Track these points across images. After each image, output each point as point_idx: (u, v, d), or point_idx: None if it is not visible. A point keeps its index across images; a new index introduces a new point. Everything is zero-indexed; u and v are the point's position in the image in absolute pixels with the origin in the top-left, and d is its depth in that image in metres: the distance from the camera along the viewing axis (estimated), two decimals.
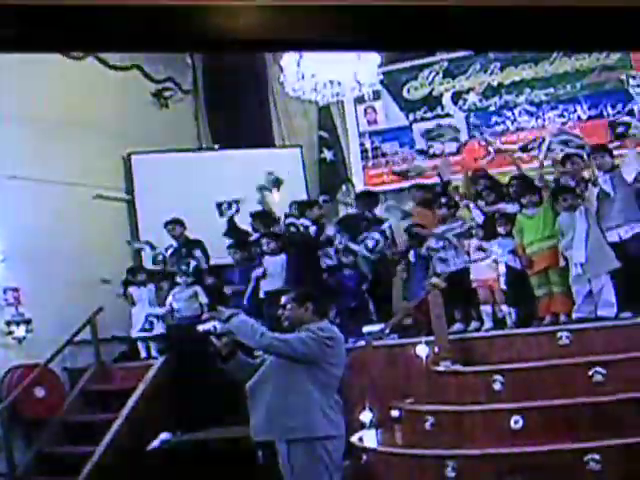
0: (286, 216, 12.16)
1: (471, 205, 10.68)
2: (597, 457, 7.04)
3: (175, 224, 12.29)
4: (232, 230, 12.24)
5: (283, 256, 11.32)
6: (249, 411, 6.20)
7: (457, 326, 10.13)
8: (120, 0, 2.03)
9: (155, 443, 9.60)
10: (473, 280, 10.14)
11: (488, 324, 9.95)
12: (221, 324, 6.04)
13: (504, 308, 9.94)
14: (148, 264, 12.59)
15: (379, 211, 12.39)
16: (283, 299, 6.40)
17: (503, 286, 10.00)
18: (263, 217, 12.00)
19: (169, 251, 12.38)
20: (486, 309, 10.01)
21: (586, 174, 9.92)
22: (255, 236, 11.93)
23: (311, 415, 5.94)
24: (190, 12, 2.07)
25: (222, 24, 2.14)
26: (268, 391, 6.03)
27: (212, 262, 12.41)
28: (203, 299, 11.59)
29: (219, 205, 12.19)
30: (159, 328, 11.72)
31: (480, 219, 10.39)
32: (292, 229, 11.73)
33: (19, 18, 2.00)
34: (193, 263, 11.92)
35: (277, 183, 12.12)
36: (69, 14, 2.02)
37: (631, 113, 12.71)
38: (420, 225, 11.00)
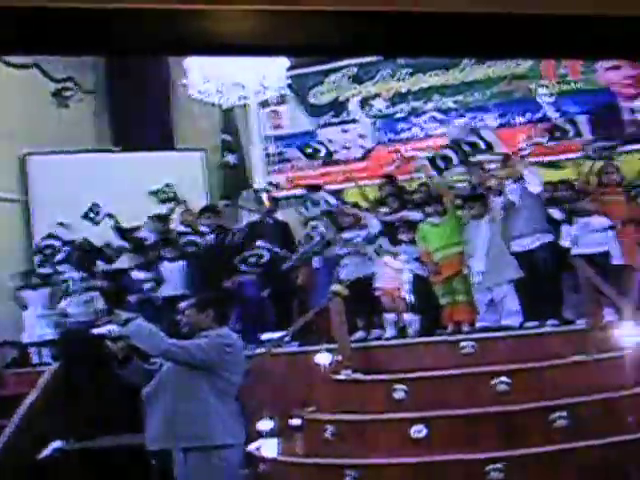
0: (181, 222, 11.97)
1: (365, 214, 10.61)
2: (500, 467, 7.03)
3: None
4: (122, 233, 11.99)
5: (182, 262, 11.11)
6: (145, 419, 6.06)
7: (359, 334, 10.04)
8: (104, 3, 1.89)
9: (47, 451, 9.34)
10: (377, 288, 10.05)
11: (390, 332, 9.87)
12: (118, 327, 5.87)
13: (407, 316, 9.88)
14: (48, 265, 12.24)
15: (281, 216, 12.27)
16: (183, 304, 6.33)
17: (406, 294, 9.95)
18: (160, 221, 11.77)
19: (60, 255, 12.04)
20: (389, 317, 9.94)
21: (493, 182, 9.96)
22: (152, 240, 11.68)
23: (209, 423, 5.83)
24: (176, 16, 1.94)
25: (209, 28, 2.02)
26: (165, 398, 5.90)
27: (109, 266, 12.11)
28: (99, 304, 11.30)
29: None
30: (53, 333, 11.38)
31: (376, 229, 10.32)
32: (186, 236, 11.51)
33: None
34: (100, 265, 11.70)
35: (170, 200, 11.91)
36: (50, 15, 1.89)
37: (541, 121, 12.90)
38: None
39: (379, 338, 9.93)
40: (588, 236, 9.14)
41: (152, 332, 5.90)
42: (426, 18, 2.06)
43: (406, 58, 12.66)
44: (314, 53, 2.69)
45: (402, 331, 9.93)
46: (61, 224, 12.12)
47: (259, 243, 10.94)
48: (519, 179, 9.49)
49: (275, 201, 12.40)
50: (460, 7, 2.04)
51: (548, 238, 9.38)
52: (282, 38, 2.12)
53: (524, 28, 2.16)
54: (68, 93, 14.36)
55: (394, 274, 10.00)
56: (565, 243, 9.25)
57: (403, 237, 10.04)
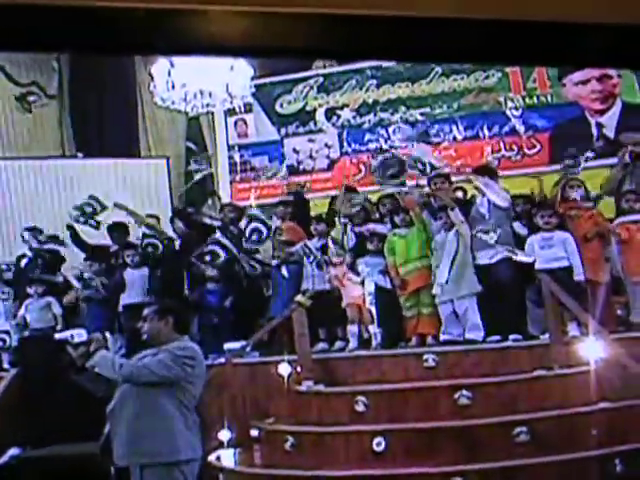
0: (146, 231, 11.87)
1: (349, 227, 10.59)
2: None
3: (34, 231, 11.86)
4: (79, 241, 11.88)
5: (145, 269, 11.03)
6: (111, 436, 6.02)
7: (321, 345, 9.99)
8: (89, 1, 1.84)
9: (3, 458, 9.19)
10: (344, 299, 10.02)
11: (353, 344, 9.85)
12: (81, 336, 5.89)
13: (371, 328, 9.86)
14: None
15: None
16: (145, 311, 6.24)
17: (370, 306, 9.94)
18: (121, 229, 11.70)
19: (23, 261, 11.92)
20: (352, 329, 9.91)
21: (459, 194, 9.99)
22: (114, 248, 11.60)
23: (171, 439, 5.79)
24: (163, 16, 1.89)
25: (197, 29, 1.97)
26: (127, 415, 5.85)
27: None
28: (57, 310, 11.20)
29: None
30: (11, 340, 11.26)
31: (352, 242, 10.34)
32: (149, 243, 11.43)
33: None
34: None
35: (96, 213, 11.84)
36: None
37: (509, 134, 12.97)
38: (289, 241, 10.84)
39: (342, 350, 9.89)
40: (549, 250, 9.16)
41: (114, 360, 5.94)
42: (418, 22, 2.04)
43: (399, 62, 12.67)
44: (306, 55, 2.66)
45: (365, 343, 9.91)
46: (29, 229, 11.96)
47: (215, 237, 10.86)
48: (484, 194, 9.53)
49: (239, 210, 12.33)
50: (445, 12, 2.02)
51: (511, 253, 9.38)
52: (274, 40, 2.10)
53: (508, 34, 2.15)
54: (32, 98, 14.26)
55: (358, 286, 9.99)
56: (529, 258, 9.26)
57: (370, 247, 10.02)
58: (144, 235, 11.60)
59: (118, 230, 11.70)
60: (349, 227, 10.53)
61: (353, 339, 9.87)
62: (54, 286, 11.57)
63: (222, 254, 10.74)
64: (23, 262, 12.00)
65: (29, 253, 11.96)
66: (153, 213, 12.05)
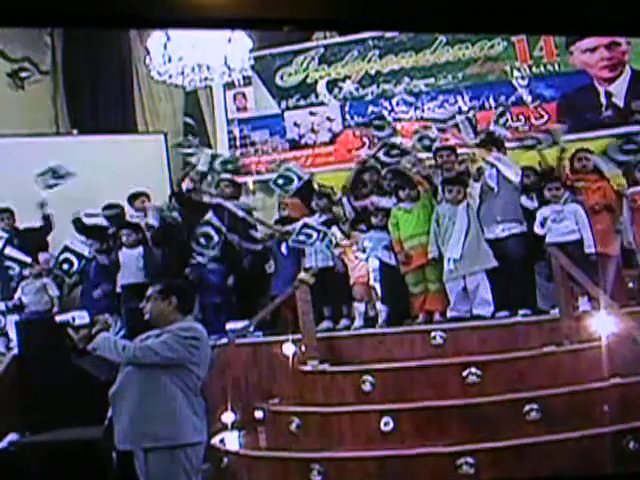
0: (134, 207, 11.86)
1: (344, 200, 10.61)
2: (471, 461, 7.04)
3: (4, 213, 11.81)
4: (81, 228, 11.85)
5: (141, 249, 11.02)
6: (113, 419, 6.01)
7: (325, 324, 10.01)
8: None
9: (2, 444, 9.22)
10: (350, 276, 10.03)
11: (358, 322, 9.86)
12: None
13: (378, 306, 9.87)
14: None
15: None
16: (148, 291, 6.22)
17: (374, 283, 9.96)
18: (115, 209, 11.68)
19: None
20: (359, 307, 9.93)
21: (471, 167, 9.96)
22: (112, 229, 11.57)
23: (177, 422, 5.79)
24: None
25: (193, 1, 1.97)
26: (131, 398, 5.84)
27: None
28: (53, 292, 11.20)
29: None
30: (7, 323, 11.27)
31: (351, 215, 10.35)
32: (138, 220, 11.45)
33: None
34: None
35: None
36: None
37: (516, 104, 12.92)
38: (292, 217, 10.85)
39: (347, 328, 9.90)
40: (560, 224, 9.15)
41: (116, 342, 5.90)
42: None
43: (402, 33, 12.60)
44: (304, 27, 2.65)
45: (370, 321, 9.92)
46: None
47: (206, 218, 10.83)
48: (493, 165, 9.51)
49: (237, 186, 12.30)
50: None
51: (521, 228, 9.39)
52: (271, 10, 2.09)
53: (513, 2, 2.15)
54: (24, 74, 14.19)
55: (363, 262, 10.00)
56: (538, 231, 9.25)
57: (375, 222, 10.02)
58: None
59: (113, 210, 11.67)
60: (345, 201, 10.54)
61: (359, 317, 9.89)
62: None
63: (215, 236, 10.71)
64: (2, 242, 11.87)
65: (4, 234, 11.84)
66: (141, 191, 11.93)
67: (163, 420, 5.76)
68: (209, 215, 10.81)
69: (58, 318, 6.10)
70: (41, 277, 11.26)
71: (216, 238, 10.64)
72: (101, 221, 11.76)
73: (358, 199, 10.71)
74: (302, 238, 10.11)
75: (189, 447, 5.80)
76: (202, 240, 10.69)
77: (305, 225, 10.14)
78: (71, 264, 10.94)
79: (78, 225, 11.64)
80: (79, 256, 10.93)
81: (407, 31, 10.95)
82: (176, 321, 6.00)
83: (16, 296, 11.26)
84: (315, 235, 10.04)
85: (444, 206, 9.58)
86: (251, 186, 13.03)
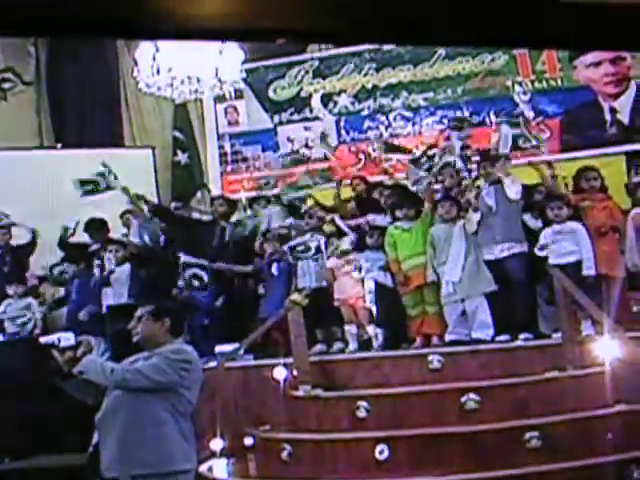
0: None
1: (337, 220, 10.59)
2: None
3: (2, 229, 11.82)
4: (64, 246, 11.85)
5: (127, 266, 11.01)
6: (100, 445, 5.99)
7: (319, 347, 9.99)
8: None
9: None
10: (335, 298, 10.02)
11: (353, 345, 9.85)
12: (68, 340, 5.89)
13: (369, 329, 9.86)
14: None
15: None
16: (139, 311, 6.20)
17: (369, 304, 9.95)
18: (99, 225, 11.67)
19: None
20: (351, 329, 9.92)
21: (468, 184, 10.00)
22: (96, 246, 11.55)
23: (166, 448, 5.76)
24: None
25: (187, 11, 1.98)
26: (118, 423, 5.80)
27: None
28: (37, 311, 11.17)
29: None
30: None
31: (350, 237, 10.33)
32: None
33: None
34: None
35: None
36: None
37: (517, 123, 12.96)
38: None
39: (341, 351, 9.89)
40: (560, 244, 9.15)
41: (104, 365, 5.88)
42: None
43: (404, 46, 12.67)
44: (300, 39, 2.65)
45: (365, 344, 9.91)
46: None
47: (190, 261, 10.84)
48: (496, 182, 9.52)
49: (231, 203, 12.32)
50: None
51: (521, 248, 9.39)
52: (264, 21, 2.10)
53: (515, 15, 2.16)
54: (7, 85, 14.22)
55: (354, 283, 9.98)
56: (538, 253, 9.25)
57: (370, 242, 10.02)
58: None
59: (96, 226, 11.67)
60: (338, 221, 10.54)
61: (352, 340, 9.88)
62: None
63: (204, 276, 10.73)
64: None
65: None
66: (129, 208, 11.94)
67: (152, 446, 5.71)
68: (191, 260, 10.79)
69: (43, 340, 6.11)
70: (26, 296, 11.23)
71: (206, 278, 10.67)
72: (84, 239, 11.76)
73: (353, 217, 10.71)
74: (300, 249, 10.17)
75: (180, 475, 5.77)
76: (194, 283, 10.71)
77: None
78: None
79: (63, 244, 11.65)
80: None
81: (408, 44, 10.99)
82: (166, 343, 5.97)
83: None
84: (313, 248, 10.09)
85: (439, 227, 9.60)
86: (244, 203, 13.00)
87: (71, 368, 5.86)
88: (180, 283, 10.68)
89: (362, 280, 10.00)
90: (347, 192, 11.72)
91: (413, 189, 10.52)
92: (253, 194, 13.36)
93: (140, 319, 6.10)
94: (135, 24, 2.10)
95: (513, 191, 9.42)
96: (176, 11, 2.01)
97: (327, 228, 10.71)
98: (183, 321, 6.55)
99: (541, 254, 9.19)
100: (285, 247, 10.47)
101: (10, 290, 11.23)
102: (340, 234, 10.32)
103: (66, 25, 2.11)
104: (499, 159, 9.89)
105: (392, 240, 9.83)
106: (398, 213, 9.91)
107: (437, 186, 10.49)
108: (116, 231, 11.85)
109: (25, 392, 9.89)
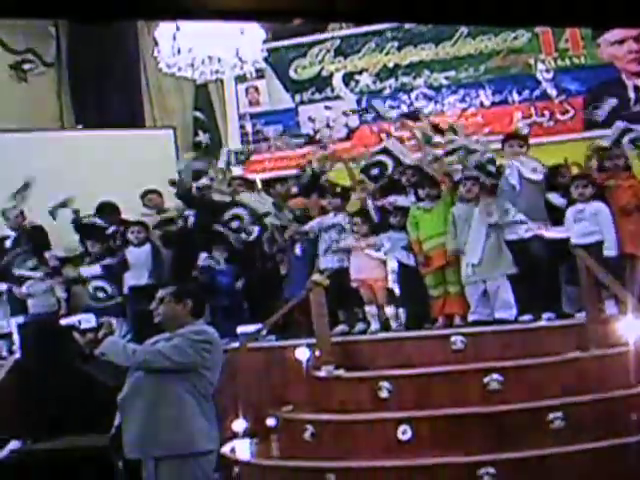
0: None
1: (369, 202, 10.56)
2: (492, 471, 7.04)
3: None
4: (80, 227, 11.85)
5: (148, 247, 11.04)
6: (122, 426, 6.04)
7: (341, 327, 9.99)
8: None
9: (4, 452, 9.25)
10: (353, 279, 10.02)
11: (374, 326, 9.86)
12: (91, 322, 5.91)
13: (388, 310, 9.86)
14: None
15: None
16: (161, 292, 6.27)
17: (393, 285, 9.96)
18: (110, 209, 11.70)
19: (6, 242, 11.85)
20: (371, 310, 9.92)
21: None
22: (113, 228, 11.57)
23: (189, 429, 5.82)
24: None
25: None
26: (140, 405, 5.86)
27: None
28: (60, 293, 11.19)
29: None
30: (11, 325, 11.29)
31: (376, 217, 10.32)
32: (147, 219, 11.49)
33: None
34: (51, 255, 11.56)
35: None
36: None
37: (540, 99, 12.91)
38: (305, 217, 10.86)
39: (363, 332, 9.90)
40: (579, 224, 9.12)
41: (125, 346, 5.93)
42: None
43: (418, 24, 12.62)
44: (312, 18, 2.64)
45: (386, 325, 9.92)
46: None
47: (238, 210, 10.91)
48: (519, 162, 9.51)
49: (250, 184, 12.34)
50: None
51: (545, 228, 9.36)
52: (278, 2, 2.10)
53: None
54: (28, 66, 14.21)
55: (374, 264, 9.97)
56: (560, 233, 9.22)
57: (393, 222, 10.02)
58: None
59: (108, 210, 11.68)
60: (370, 203, 10.50)
61: (374, 320, 9.88)
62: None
63: (245, 216, 10.79)
64: (8, 242, 11.89)
65: (12, 233, 11.86)
66: (154, 188, 11.95)
67: (175, 427, 5.77)
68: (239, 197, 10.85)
69: (64, 321, 6.12)
70: (47, 278, 11.27)
71: (247, 219, 10.71)
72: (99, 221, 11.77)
73: (376, 198, 10.70)
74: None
75: (201, 456, 5.82)
76: (234, 224, 10.75)
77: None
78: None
79: (77, 225, 11.66)
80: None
81: (429, 23, 10.93)
82: (187, 324, 6.02)
83: (20, 296, 11.22)
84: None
85: (459, 206, 9.59)
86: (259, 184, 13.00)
87: (92, 350, 5.91)
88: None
89: (383, 261, 9.99)
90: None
91: (429, 169, 10.47)
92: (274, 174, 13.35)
93: (162, 300, 6.16)
94: (151, 3, 2.10)
95: (534, 173, 9.39)
96: None
97: (350, 208, 10.71)
98: (204, 302, 6.59)
99: (560, 236, 9.15)
100: (308, 226, 10.48)
101: (31, 271, 11.24)
102: (362, 214, 10.30)
103: (83, 8, 2.12)
104: (517, 140, 9.89)
105: (414, 221, 9.83)
106: (420, 193, 9.91)
107: (457, 166, 10.44)
108: (135, 212, 11.81)
109: (48, 373, 9.96)
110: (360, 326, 10.00)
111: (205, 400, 5.94)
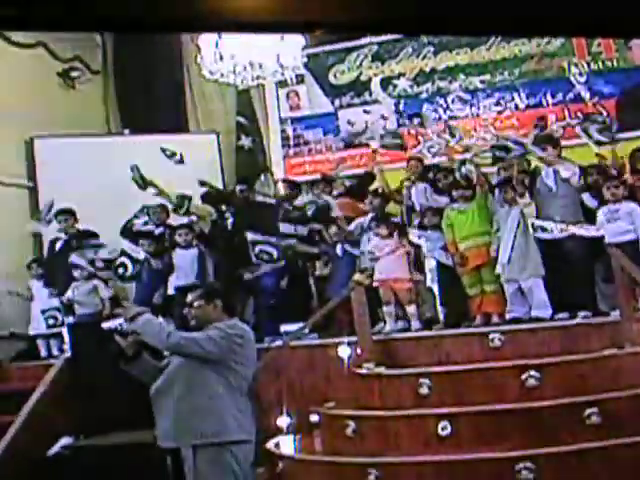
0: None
1: (414, 197, 10.61)
2: (530, 466, 7.02)
3: (67, 214, 11.93)
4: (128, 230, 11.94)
5: (195, 249, 11.12)
6: (155, 416, 6.11)
7: (382, 326, 10.03)
8: None
9: (55, 448, 9.36)
10: (375, 279, 10.03)
11: (391, 325, 9.89)
12: (126, 323, 5.96)
13: (410, 309, 9.88)
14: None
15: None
16: (190, 296, 6.32)
17: (431, 284, 9.99)
18: (158, 210, 11.79)
19: (57, 244, 11.97)
20: (388, 309, 9.94)
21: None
22: (160, 230, 11.66)
23: (220, 419, 5.88)
24: None
25: (223, 5, 2.03)
26: (174, 395, 5.94)
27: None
28: (104, 293, 11.30)
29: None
30: (61, 325, 11.40)
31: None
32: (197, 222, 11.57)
33: None
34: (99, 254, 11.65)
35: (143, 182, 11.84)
36: None
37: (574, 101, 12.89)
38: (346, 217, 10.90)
39: (404, 330, 9.94)
40: (614, 223, 9.09)
41: (161, 326, 6.04)
42: None
43: (435, 36, 12.69)
44: (333, 29, 2.67)
45: (429, 323, 9.94)
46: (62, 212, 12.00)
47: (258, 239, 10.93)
48: (550, 164, 9.51)
49: (296, 186, 12.40)
50: None
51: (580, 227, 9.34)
52: (300, 14, 2.13)
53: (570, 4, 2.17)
54: (75, 73, 14.28)
55: (396, 265, 9.98)
56: (595, 232, 9.20)
57: (427, 222, 10.06)
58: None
59: (155, 211, 11.78)
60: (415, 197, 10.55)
61: (414, 319, 9.91)
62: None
63: (274, 252, 10.81)
64: (57, 245, 12.01)
65: (63, 235, 11.96)
66: (185, 193, 12.00)
67: (207, 416, 5.85)
68: (259, 237, 10.88)
69: (105, 325, 6.20)
70: (92, 279, 11.37)
71: (275, 254, 10.75)
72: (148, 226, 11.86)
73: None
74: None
75: (234, 445, 5.87)
76: (264, 256, 10.80)
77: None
78: (126, 268, 11.12)
79: (126, 232, 11.74)
80: (134, 260, 11.13)
81: (445, 34, 10.96)
82: (222, 320, 6.11)
83: (66, 297, 11.34)
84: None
85: (500, 210, 9.63)
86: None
87: (133, 352, 6.00)
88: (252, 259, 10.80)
89: (408, 262, 10.02)
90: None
91: (462, 171, 10.51)
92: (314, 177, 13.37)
93: (192, 304, 6.22)
94: (193, 18, 2.15)
95: (568, 173, 9.39)
96: (226, 6, 2.05)
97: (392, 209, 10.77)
98: (236, 300, 6.64)
99: (594, 235, 9.13)
100: (352, 226, 10.54)
101: (76, 273, 11.34)
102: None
103: (127, 21, 2.17)
104: (551, 143, 9.88)
105: (449, 222, 9.88)
106: (454, 194, 9.93)
107: (489, 169, 10.48)
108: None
109: (97, 371, 10.04)
110: (401, 324, 10.03)
111: (239, 394, 6.01)
